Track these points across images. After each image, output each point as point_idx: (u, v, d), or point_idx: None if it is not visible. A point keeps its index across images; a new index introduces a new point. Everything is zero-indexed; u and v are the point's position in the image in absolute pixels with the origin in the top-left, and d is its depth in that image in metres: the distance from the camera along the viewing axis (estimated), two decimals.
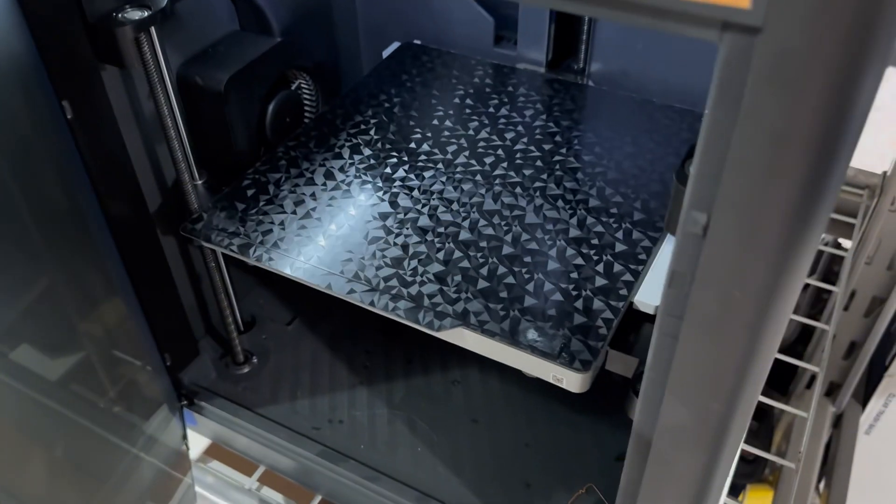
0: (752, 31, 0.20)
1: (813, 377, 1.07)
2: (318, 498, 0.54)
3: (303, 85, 0.56)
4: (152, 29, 0.41)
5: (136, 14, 0.40)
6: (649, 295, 0.41)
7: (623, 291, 0.41)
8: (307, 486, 0.54)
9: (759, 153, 0.23)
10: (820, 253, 0.97)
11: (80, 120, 0.41)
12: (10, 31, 0.36)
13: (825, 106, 0.21)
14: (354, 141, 0.53)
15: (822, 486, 0.93)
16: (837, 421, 1.11)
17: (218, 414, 0.54)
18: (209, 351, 0.58)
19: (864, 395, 1.07)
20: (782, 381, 0.88)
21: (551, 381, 0.39)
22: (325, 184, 0.49)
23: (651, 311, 0.41)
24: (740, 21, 0.20)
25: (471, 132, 0.54)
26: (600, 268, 0.43)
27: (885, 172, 0.85)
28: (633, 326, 0.43)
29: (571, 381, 0.38)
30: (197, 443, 0.56)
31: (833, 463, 1.07)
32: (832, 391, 1.09)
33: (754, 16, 0.20)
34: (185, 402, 0.54)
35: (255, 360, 0.57)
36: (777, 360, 0.83)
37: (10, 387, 0.43)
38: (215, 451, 0.56)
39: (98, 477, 0.49)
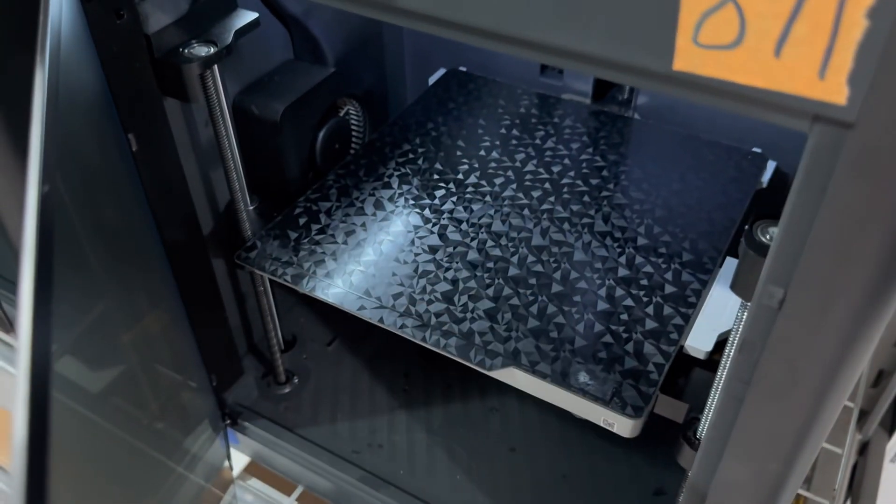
0: (845, 126, 0.21)
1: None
2: None
3: (351, 111, 0.57)
4: (216, 65, 0.42)
5: (201, 51, 0.41)
6: (699, 339, 0.42)
7: (673, 335, 0.42)
8: None
9: (840, 238, 0.23)
10: None
11: (144, 151, 0.42)
12: (86, 67, 0.37)
13: None
14: (403, 170, 0.53)
15: None
16: (863, 448, 1.10)
17: (259, 434, 0.55)
18: (251, 370, 0.58)
19: (891, 423, 1.07)
20: None
21: (602, 424, 0.39)
22: (374, 213, 0.50)
23: (701, 356, 0.41)
24: (834, 116, 0.21)
25: (517, 164, 0.54)
26: (650, 310, 0.43)
27: None
28: (683, 370, 0.43)
29: (623, 426, 0.38)
30: (238, 460, 0.57)
31: (858, 491, 1.06)
32: (859, 419, 1.08)
33: (849, 112, 0.20)
34: (229, 422, 0.55)
35: (296, 380, 0.58)
36: None
37: (65, 404, 0.44)
38: (255, 469, 0.57)
39: (145, 493, 0.50)
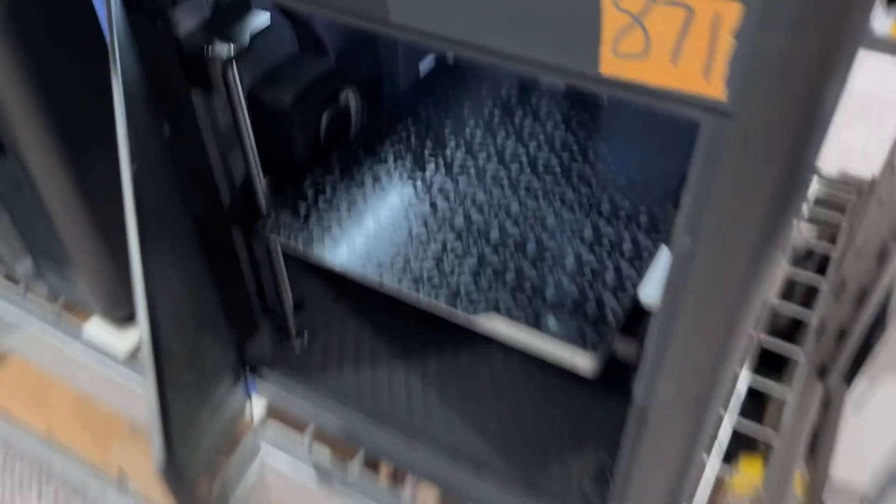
0: (726, 115, 0.28)
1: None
2: (362, 451, 0.63)
3: (350, 97, 0.64)
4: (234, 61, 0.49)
5: (223, 49, 0.48)
6: (650, 290, 0.49)
7: (629, 288, 0.49)
8: (353, 442, 0.63)
9: (731, 199, 0.30)
10: (812, 251, 1.05)
11: (175, 136, 0.49)
12: (130, 66, 0.44)
13: (778, 168, 0.29)
14: (397, 148, 0.61)
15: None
16: (826, 400, 1.19)
17: (276, 381, 0.63)
18: (267, 328, 0.66)
19: (851, 376, 1.15)
20: (778, 363, 0.95)
21: (567, 365, 0.47)
22: (373, 187, 0.57)
23: (653, 307, 0.49)
24: (717, 108, 0.28)
25: (498, 142, 0.61)
26: (609, 266, 0.51)
27: (873, 176, 0.92)
28: (638, 318, 0.51)
29: (584, 362, 0.46)
30: (258, 404, 0.65)
31: (820, 439, 1.15)
32: (824, 373, 1.17)
33: (728, 106, 0.28)
34: (249, 371, 0.63)
35: (306, 335, 0.66)
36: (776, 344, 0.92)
37: None
38: (273, 411, 0.65)
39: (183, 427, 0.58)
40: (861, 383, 1.15)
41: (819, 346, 1.09)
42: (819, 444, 1.17)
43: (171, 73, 0.47)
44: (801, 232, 0.97)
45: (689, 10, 0.26)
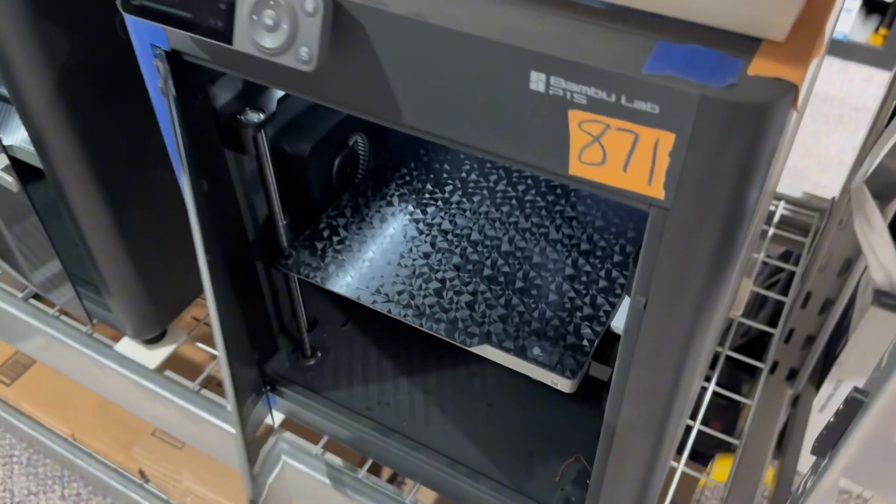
0: (665, 209, 0.36)
1: (776, 364, 1.25)
2: (370, 461, 0.71)
3: (358, 141, 0.71)
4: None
5: (254, 117, 0.55)
6: (622, 321, 0.57)
7: (603, 319, 0.58)
8: (361, 452, 0.71)
9: (674, 267, 0.38)
10: (780, 268, 1.14)
11: (211, 191, 0.56)
12: (169, 131, 0.51)
13: (708, 246, 0.37)
14: (401, 191, 0.68)
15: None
16: (795, 401, 1.28)
17: (292, 396, 0.71)
18: (283, 347, 0.74)
19: (819, 380, 1.25)
20: (751, 368, 1.03)
21: (550, 384, 0.55)
22: (380, 227, 0.65)
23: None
24: (659, 204, 0.36)
25: (491, 183, 0.69)
26: (587, 300, 0.59)
27: (833, 198, 1.01)
28: (611, 344, 0.59)
29: (564, 385, 0.54)
30: (277, 417, 0.73)
31: (789, 437, 1.25)
32: (792, 376, 1.26)
33: (666, 203, 0.36)
34: (269, 388, 0.71)
35: (319, 354, 0.73)
36: (748, 349, 1.01)
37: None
38: (289, 424, 0.73)
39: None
40: (827, 386, 1.25)
41: (787, 352, 1.18)
42: (788, 442, 1.27)
43: (209, 137, 0.55)
44: (768, 251, 1.05)
45: (636, 136, 0.34)
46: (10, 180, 0.64)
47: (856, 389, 0.36)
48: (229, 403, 0.60)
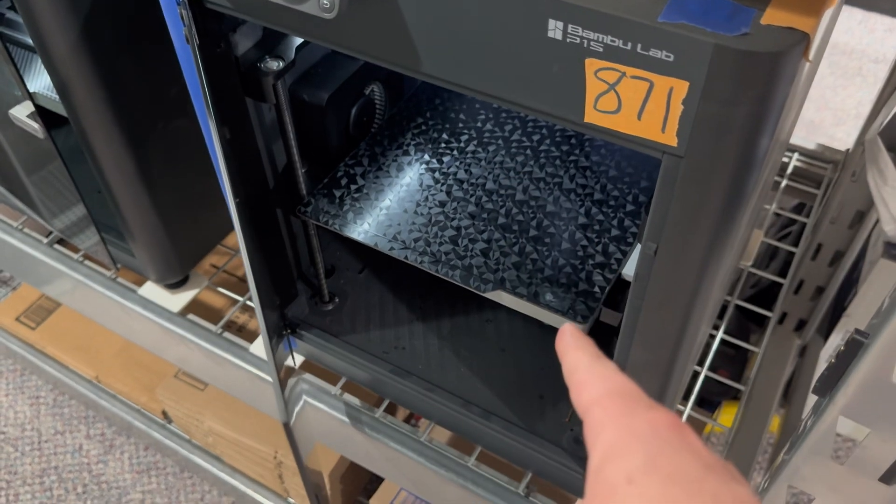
0: (678, 157, 0.37)
1: (784, 314, 1.26)
2: (387, 402, 0.74)
3: (375, 90, 0.72)
4: None
5: (273, 65, 0.56)
6: (633, 269, 0.58)
7: (614, 266, 0.59)
8: (378, 393, 0.73)
9: (685, 214, 0.40)
10: (792, 220, 1.14)
11: (233, 138, 0.58)
12: (196, 83, 0.53)
13: (719, 194, 0.38)
14: (417, 140, 0.69)
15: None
16: (803, 351, 1.30)
17: (312, 339, 0.73)
18: (303, 292, 0.76)
19: (827, 330, 1.26)
20: (760, 318, 1.05)
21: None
22: (397, 176, 0.66)
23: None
24: (672, 152, 0.37)
25: (506, 133, 0.70)
26: (599, 248, 0.60)
27: (847, 150, 1.01)
28: (622, 291, 0.60)
29: None
30: (297, 359, 0.75)
31: (795, 386, 1.27)
32: (801, 327, 1.28)
33: (679, 150, 0.37)
34: (289, 331, 0.73)
35: (337, 300, 0.76)
36: (758, 300, 1.02)
37: None
38: (309, 366, 0.76)
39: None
40: (835, 336, 1.26)
41: (797, 303, 1.19)
42: (794, 390, 1.29)
43: (231, 86, 0.56)
44: (781, 203, 1.06)
45: (651, 83, 0.35)
46: (35, 127, 0.66)
47: (857, 331, 0.37)
48: (263, 342, 0.62)
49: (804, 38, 0.33)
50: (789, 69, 0.33)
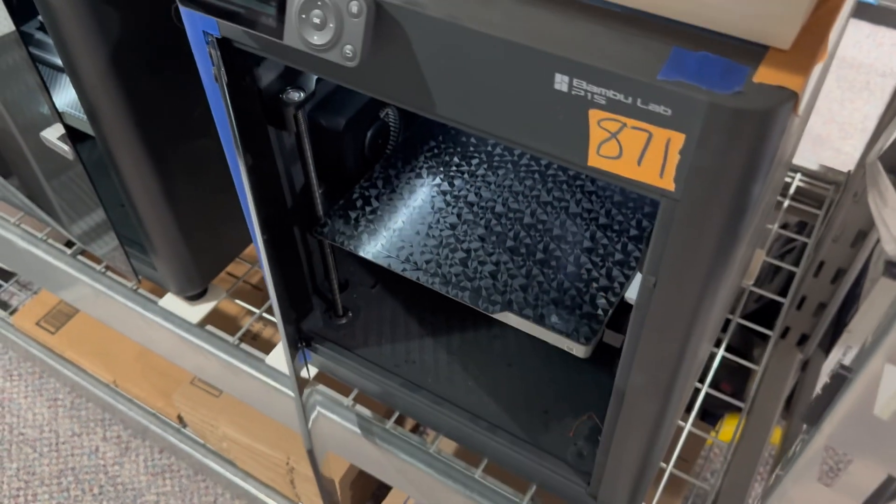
0: (675, 201, 0.40)
1: (787, 329, 1.29)
2: (397, 413, 0.77)
3: (389, 114, 0.75)
4: None
5: (295, 95, 0.59)
6: (636, 292, 0.61)
7: (618, 290, 0.62)
8: (389, 405, 0.76)
9: (681, 252, 0.42)
10: (793, 239, 1.16)
11: (255, 163, 0.60)
12: (221, 113, 0.56)
13: (712, 235, 0.40)
14: (430, 164, 0.72)
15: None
16: (805, 365, 1.32)
17: (325, 352, 0.76)
18: (317, 306, 0.79)
19: (828, 345, 1.28)
20: (763, 333, 1.07)
21: (565, 349, 0.60)
22: (410, 198, 0.69)
23: None
24: (669, 196, 0.40)
25: (515, 157, 0.73)
26: (603, 272, 0.63)
27: (849, 171, 1.03)
28: (625, 313, 0.63)
29: (578, 350, 0.59)
30: (311, 371, 0.78)
31: (797, 400, 1.29)
32: (803, 341, 1.30)
33: (676, 194, 0.39)
34: (304, 343, 0.76)
35: (350, 314, 0.78)
36: (761, 313, 1.05)
37: None
38: (323, 378, 0.79)
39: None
40: (836, 351, 1.28)
41: (799, 318, 1.21)
42: (796, 404, 1.31)
43: (254, 115, 0.59)
44: (784, 221, 1.08)
45: (650, 134, 0.38)
46: (66, 149, 0.69)
47: (841, 366, 0.40)
48: (286, 360, 0.66)
49: (793, 97, 0.35)
50: (779, 124, 0.36)
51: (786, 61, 0.36)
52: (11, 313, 1.41)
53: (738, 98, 0.35)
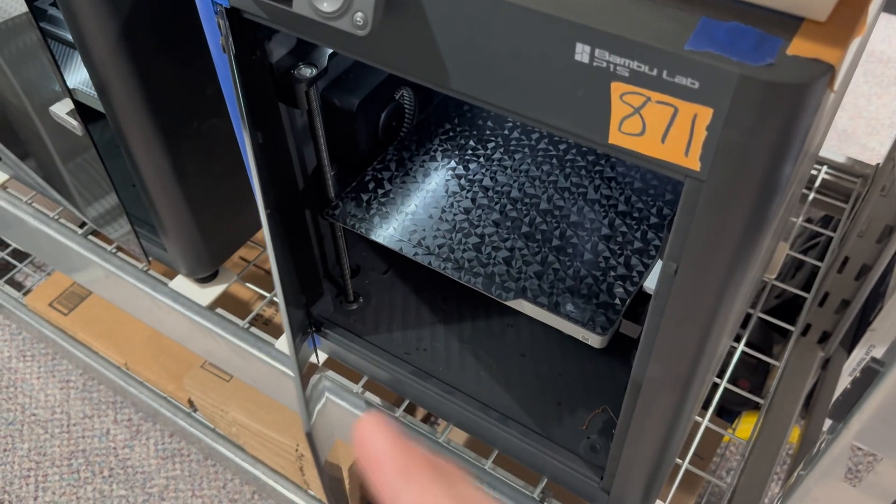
0: (700, 181, 0.38)
1: (808, 326, 1.26)
2: (406, 402, 0.75)
3: (405, 95, 0.73)
4: None
5: (306, 72, 0.57)
6: (654, 282, 0.59)
7: (636, 279, 0.59)
8: (399, 393, 0.75)
9: (706, 237, 0.40)
10: (818, 232, 1.13)
11: (266, 142, 0.59)
12: (230, 87, 0.54)
13: (738, 218, 0.38)
14: (444, 146, 0.70)
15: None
16: (826, 364, 1.29)
17: (335, 338, 0.74)
18: (328, 292, 0.77)
19: (851, 344, 1.25)
20: (784, 328, 1.04)
21: (580, 339, 0.58)
22: (424, 181, 0.67)
23: None
24: (694, 175, 0.38)
25: (532, 141, 0.71)
26: (621, 260, 0.61)
27: (877, 165, 1.00)
28: (643, 303, 0.61)
29: (594, 340, 0.57)
30: (321, 357, 0.77)
31: (817, 398, 1.26)
32: (824, 339, 1.27)
33: (701, 174, 0.37)
34: (314, 329, 0.75)
35: (361, 300, 0.77)
36: (782, 309, 1.02)
37: None
38: (332, 363, 0.77)
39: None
40: (858, 350, 1.25)
41: (821, 315, 1.18)
42: (815, 403, 1.28)
43: (265, 91, 0.57)
44: (809, 215, 1.05)
45: (675, 109, 0.36)
46: (74, 124, 0.68)
47: (873, 359, 0.38)
48: (287, 342, 0.64)
49: (829, 70, 0.33)
50: (813, 100, 0.34)
51: (822, 33, 0.34)
52: (25, 294, 1.41)
53: (771, 70, 0.33)
